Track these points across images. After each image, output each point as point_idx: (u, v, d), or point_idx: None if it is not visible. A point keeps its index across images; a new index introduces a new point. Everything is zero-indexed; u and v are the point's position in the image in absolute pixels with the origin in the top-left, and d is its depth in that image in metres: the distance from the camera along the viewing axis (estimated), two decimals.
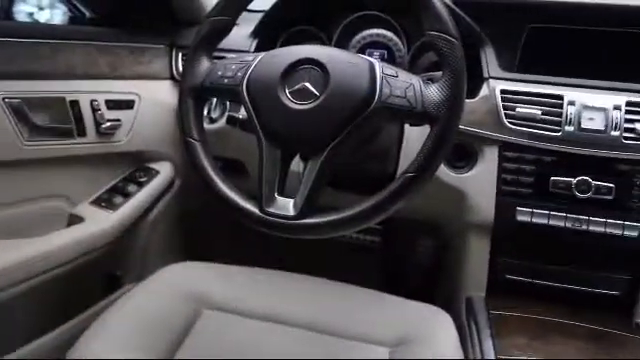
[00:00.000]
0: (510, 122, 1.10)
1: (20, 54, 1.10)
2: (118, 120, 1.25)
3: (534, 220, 1.12)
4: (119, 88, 1.28)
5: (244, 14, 0.95)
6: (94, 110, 1.20)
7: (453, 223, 1.27)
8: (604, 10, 1.16)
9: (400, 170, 1.10)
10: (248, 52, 1.22)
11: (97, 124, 1.21)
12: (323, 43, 1.27)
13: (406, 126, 1.15)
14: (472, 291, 1.23)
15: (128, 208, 1.27)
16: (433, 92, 0.77)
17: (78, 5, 1.36)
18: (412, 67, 1.22)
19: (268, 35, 1.28)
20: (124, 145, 1.29)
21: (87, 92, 1.20)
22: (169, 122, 1.34)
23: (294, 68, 0.82)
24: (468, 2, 1.15)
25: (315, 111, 0.78)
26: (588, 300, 1.17)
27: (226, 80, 0.85)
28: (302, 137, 0.80)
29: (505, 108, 1.10)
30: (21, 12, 1.33)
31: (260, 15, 1.28)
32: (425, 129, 0.78)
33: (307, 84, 0.80)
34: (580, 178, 1.08)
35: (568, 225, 1.10)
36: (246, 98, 0.83)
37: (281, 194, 0.82)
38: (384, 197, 0.78)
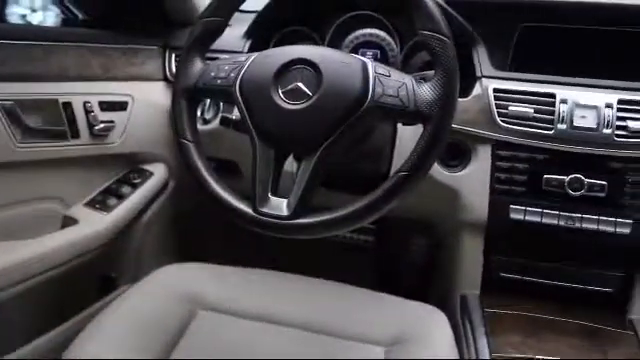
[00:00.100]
0: (503, 121, 1.10)
1: (13, 56, 1.10)
2: (111, 122, 1.25)
3: (527, 218, 1.13)
4: (112, 89, 1.27)
5: (237, 15, 0.95)
6: (87, 112, 1.20)
7: (447, 222, 1.28)
8: (596, 9, 1.17)
9: (393, 169, 1.11)
10: (241, 53, 1.22)
11: (90, 126, 1.21)
12: (316, 43, 1.27)
13: (399, 125, 1.15)
14: (466, 289, 1.24)
15: (122, 210, 1.26)
16: (426, 91, 0.77)
17: (71, 7, 1.36)
18: (405, 67, 1.22)
19: (261, 36, 1.28)
20: (118, 147, 1.29)
21: (80, 94, 1.20)
22: (162, 123, 1.34)
23: (287, 68, 0.82)
24: (460, 1, 1.15)
25: (308, 111, 0.78)
26: (582, 297, 1.18)
27: (219, 81, 0.85)
28: (295, 137, 0.80)
29: (498, 107, 1.11)
30: (14, 14, 1.32)
31: (253, 16, 1.28)
32: (418, 128, 0.78)
33: (300, 84, 0.80)
34: (573, 176, 1.08)
35: (561, 223, 1.11)
36: (239, 99, 0.83)
37: (275, 194, 0.82)
38: (377, 196, 0.78)
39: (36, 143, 1.12)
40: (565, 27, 1.19)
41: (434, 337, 0.93)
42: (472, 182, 1.15)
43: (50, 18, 1.38)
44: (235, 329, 0.94)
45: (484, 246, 1.21)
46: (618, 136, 1.05)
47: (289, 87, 0.81)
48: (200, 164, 0.87)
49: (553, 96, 1.09)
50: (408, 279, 1.78)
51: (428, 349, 0.90)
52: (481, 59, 1.16)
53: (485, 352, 1.03)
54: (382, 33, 1.24)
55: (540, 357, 1.01)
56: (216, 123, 1.24)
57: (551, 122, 1.08)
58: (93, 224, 1.20)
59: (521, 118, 1.10)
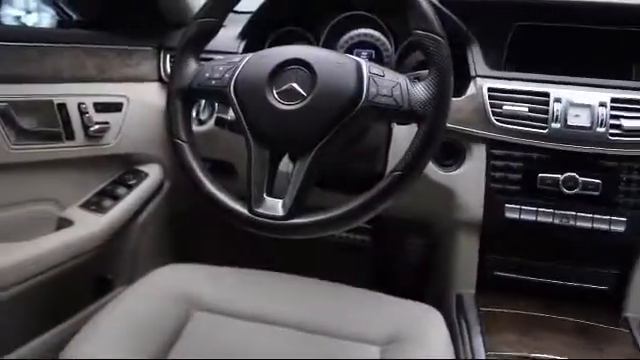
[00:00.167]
0: (497, 120, 1.11)
1: (7, 58, 1.10)
2: (106, 123, 1.25)
3: (522, 217, 1.13)
4: (107, 91, 1.27)
5: (231, 15, 0.95)
6: (82, 113, 1.20)
7: (442, 221, 1.28)
8: (589, 8, 1.17)
9: (389, 169, 1.11)
10: (236, 53, 1.22)
11: (85, 127, 1.21)
12: (311, 44, 1.27)
13: (394, 125, 1.15)
14: (462, 288, 1.24)
15: (117, 211, 1.26)
16: (420, 91, 0.77)
17: (65, 8, 1.36)
18: (400, 66, 1.22)
19: (256, 36, 1.28)
20: (113, 148, 1.29)
21: (75, 95, 1.19)
22: (158, 124, 1.34)
23: (281, 69, 0.82)
24: (454, 1, 1.16)
25: (302, 111, 0.78)
26: (577, 295, 1.18)
27: (214, 81, 0.85)
28: (290, 137, 0.80)
29: (492, 106, 1.11)
30: (8, 15, 1.33)
31: (247, 16, 1.28)
32: (413, 128, 0.78)
33: (294, 84, 0.80)
34: (567, 174, 1.09)
35: (556, 221, 1.11)
36: (234, 99, 0.83)
37: (270, 194, 0.82)
38: (372, 196, 0.78)
39: (30, 145, 1.12)
40: (559, 26, 1.20)
41: (430, 336, 0.94)
42: (467, 181, 1.15)
43: (45, 19, 1.38)
44: (231, 330, 0.94)
45: (479, 245, 1.22)
46: (612, 135, 1.06)
47: (283, 87, 0.81)
48: (195, 165, 0.87)
49: (547, 95, 1.10)
50: (404, 279, 1.78)
51: (424, 348, 0.90)
52: (475, 58, 1.16)
53: (481, 351, 1.04)
54: (377, 33, 1.25)
55: (535, 355, 1.02)
56: (211, 124, 1.24)
57: (545, 121, 1.09)
58: (88, 225, 1.20)
59: (515, 117, 1.10)
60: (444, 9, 1.12)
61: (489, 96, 1.11)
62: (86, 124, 1.21)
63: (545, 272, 1.21)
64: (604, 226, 1.10)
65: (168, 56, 1.36)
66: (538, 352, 1.03)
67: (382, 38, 1.24)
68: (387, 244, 1.81)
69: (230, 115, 1.07)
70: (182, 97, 0.89)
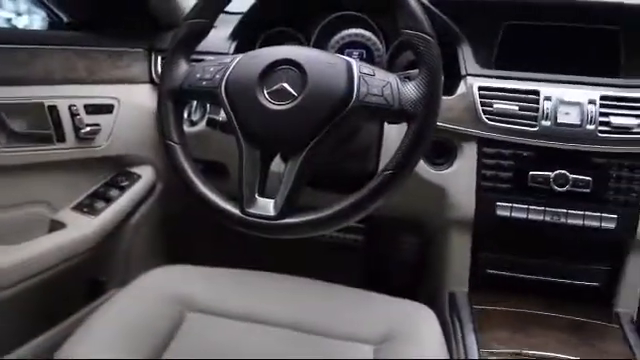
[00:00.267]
0: (488, 118, 1.11)
1: None
2: (97, 125, 1.24)
3: (514, 215, 1.14)
4: (98, 93, 1.27)
5: (222, 16, 0.95)
6: (73, 115, 1.19)
7: (434, 220, 1.28)
8: (579, 7, 1.18)
9: (380, 168, 1.11)
10: (227, 54, 1.22)
11: (76, 129, 1.20)
12: (302, 44, 1.27)
13: (386, 124, 1.16)
14: (455, 287, 1.24)
15: (110, 213, 1.26)
16: (410, 90, 0.77)
17: (56, 10, 1.35)
18: (391, 66, 1.22)
19: (247, 37, 1.28)
20: (104, 150, 1.28)
21: (66, 97, 1.19)
22: (149, 126, 1.33)
23: (272, 69, 0.82)
24: (444, 0, 1.16)
25: (293, 111, 0.79)
26: (569, 292, 1.19)
27: (204, 82, 0.85)
28: (281, 137, 0.81)
29: (483, 104, 1.12)
30: None
31: (238, 17, 1.28)
32: (405, 127, 0.79)
33: (285, 85, 0.80)
34: (558, 172, 1.10)
35: (547, 219, 1.12)
36: (225, 100, 0.83)
37: (262, 195, 0.82)
38: (363, 195, 0.78)
39: (21, 147, 1.11)
40: (549, 25, 1.20)
41: (423, 335, 0.94)
42: (458, 179, 1.16)
43: (36, 22, 1.37)
44: (225, 330, 0.94)
45: (472, 243, 1.22)
46: (601, 132, 1.07)
47: (274, 88, 0.81)
48: (187, 166, 0.87)
49: (537, 93, 1.10)
50: (398, 278, 1.79)
51: (417, 347, 0.90)
52: (466, 57, 1.17)
53: (473, 348, 1.04)
54: (367, 33, 1.25)
55: (528, 352, 1.02)
56: (203, 125, 1.23)
57: (535, 119, 1.09)
58: (81, 228, 1.20)
59: (506, 115, 1.11)
60: (433, 8, 1.13)
61: (480, 95, 1.12)
62: (77, 126, 1.20)
63: (537, 269, 1.21)
64: (595, 223, 1.10)
65: (159, 58, 1.36)
66: (530, 349, 1.03)
67: (373, 38, 1.25)
68: (380, 243, 1.81)
69: (222, 116, 1.07)
70: (173, 98, 0.89)
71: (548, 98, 1.09)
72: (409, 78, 0.80)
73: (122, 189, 1.32)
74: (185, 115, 1.27)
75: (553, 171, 1.10)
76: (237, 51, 1.25)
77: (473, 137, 1.13)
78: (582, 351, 1.03)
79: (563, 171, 1.09)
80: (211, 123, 1.11)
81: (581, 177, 1.09)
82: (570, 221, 1.11)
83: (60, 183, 1.24)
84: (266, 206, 0.81)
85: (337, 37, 1.26)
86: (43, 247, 1.11)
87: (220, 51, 1.23)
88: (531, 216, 1.13)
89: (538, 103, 1.10)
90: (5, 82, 1.10)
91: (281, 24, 1.29)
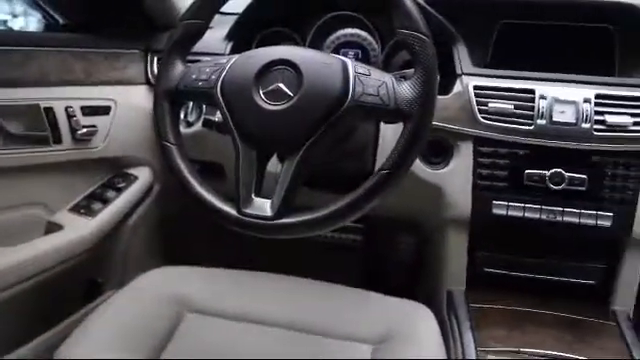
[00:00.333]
0: (484, 117, 1.12)
1: None
2: (94, 126, 1.25)
3: (510, 213, 1.14)
4: (95, 94, 1.27)
5: (219, 17, 0.95)
6: (69, 116, 1.19)
7: (431, 219, 1.29)
8: (573, 6, 1.18)
9: (377, 168, 1.12)
10: (223, 55, 1.22)
11: (73, 130, 1.20)
12: (297, 44, 1.27)
13: (382, 124, 1.16)
14: (452, 285, 1.25)
15: (107, 214, 1.26)
16: (405, 89, 0.77)
17: (52, 12, 1.35)
18: (386, 66, 1.23)
19: (243, 37, 1.29)
20: (101, 151, 1.28)
21: (62, 99, 1.19)
22: (146, 127, 1.33)
23: (268, 69, 0.82)
24: (440, 0, 1.16)
25: (289, 111, 0.79)
26: (565, 290, 1.20)
27: (200, 83, 0.85)
28: (277, 138, 0.81)
29: (478, 104, 1.12)
30: None
31: (234, 18, 1.28)
32: (401, 126, 0.79)
33: (281, 85, 0.80)
34: (553, 170, 1.10)
35: (543, 217, 1.12)
36: (221, 100, 0.83)
37: (258, 195, 0.82)
38: (359, 195, 0.78)
39: (18, 149, 1.11)
40: (544, 24, 1.21)
41: (421, 334, 0.94)
42: (455, 179, 1.16)
43: (32, 23, 1.37)
44: (223, 331, 0.95)
45: (468, 242, 1.22)
46: (597, 130, 1.07)
47: (270, 88, 0.81)
48: (183, 166, 0.87)
49: (532, 92, 1.10)
50: (396, 277, 1.79)
51: (415, 346, 0.91)
52: (461, 57, 1.17)
53: (471, 346, 1.05)
54: (363, 33, 1.25)
55: (525, 350, 1.03)
56: (199, 125, 1.24)
57: (531, 118, 1.10)
58: (78, 229, 1.20)
59: (501, 114, 1.11)
60: (429, 8, 1.13)
61: (475, 94, 1.12)
62: (74, 127, 1.20)
63: (534, 268, 1.22)
64: (591, 221, 1.11)
65: (155, 59, 1.35)
66: (527, 347, 1.04)
67: (369, 38, 1.25)
68: (378, 243, 1.81)
69: (218, 117, 1.08)
70: (169, 99, 0.89)
71: (543, 97, 1.09)
72: (405, 78, 0.80)
73: (119, 190, 1.32)
74: (181, 116, 1.27)
75: (549, 169, 1.10)
76: (233, 52, 1.25)
77: (469, 136, 1.14)
78: (579, 349, 1.04)
79: (559, 169, 1.10)
80: (207, 124, 1.11)
81: (577, 175, 1.09)
82: (566, 219, 1.11)
83: (57, 185, 1.24)
84: (263, 206, 0.81)
85: (333, 37, 1.26)
86: (40, 249, 1.11)
87: (216, 52, 1.23)
88: (527, 214, 1.13)
89: (533, 102, 1.10)
90: (0, 84, 1.10)
91: (277, 24, 1.29)
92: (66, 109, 1.19)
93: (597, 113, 1.07)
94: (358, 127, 1.05)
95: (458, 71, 1.16)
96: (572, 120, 1.08)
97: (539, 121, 1.09)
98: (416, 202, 1.20)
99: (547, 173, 1.10)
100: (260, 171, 0.83)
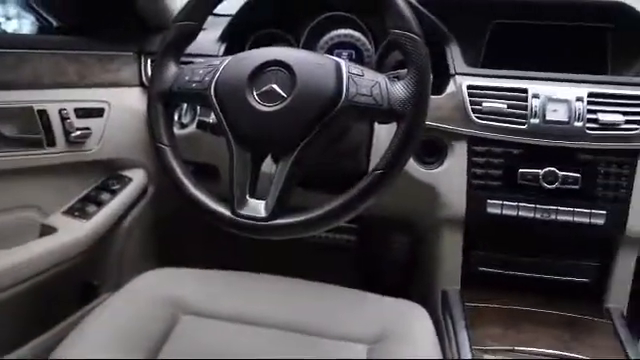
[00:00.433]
0: (477, 117, 1.12)
1: None
2: (88, 129, 1.24)
3: (504, 212, 1.14)
4: (88, 96, 1.27)
5: (211, 18, 0.95)
6: (63, 119, 1.19)
7: (425, 219, 1.29)
8: (567, 5, 1.19)
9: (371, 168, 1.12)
10: (216, 56, 1.22)
11: (66, 133, 1.20)
12: (291, 45, 1.27)
13: (376, 124, 1.16)
14: (447, 285, 1.25)
15: (101, 216, 1.26)
16: (399, 89, 0.78)
17: (45, 15, 1.35)
18: (380, 66, 1.23)
19: (236, 39, 1.29)
20: (95, 153, 1.28)
21: (55, 101, 1.19)
22: (140, 129, 1.33)
23: (261, 70, 0.82)
24: (432, 0, 1.17)
25: (283, 112, 0.79)
26: (560, 288, 1.20)
27: (194, 85, 0.85)
28: (271, 138, 0.81)
29: (472, 103, 1.12)
30: None
31: (227, 19, 1.28)
32: (395, 126, 0.79)
33: (274, 86, 0.80)
34: (547, 169, 1.10)
35: (537, 216, 1.13)
36: (214, 102, 0.83)
37: (252, 196, 0.82)
38: (353, 195, 0.78)
39: (11, 152, 1.11)
40: (536, 23, 1.21)
41: (416, 333, 0.94)
42: (449, 178, 1.16)
43: (25, 26, 1.37)
44: (218, 332, 0.95)
45: (463, 241, 1.23)
46: (589, 129, 1.08)
47: (263, 89, 0.81)
48: (177, 168, 0.87)
49: (525, 91, 1.11)
50: (391, 277, 1.79)
51: (410, 345, 0.91)
52: (454, 56, 1.17)
53: (466, 345, 1.05)
54: (356, 33, 1.25)
55: (520, 348, 1.03)
56: (193, 127, 1.23)
57: (524, 117, 1.10)
58: (72, 232, 1.19)
59: (495, 114, 1.11)
60: (421, 8, 1.13)
61: (469, 93, 1.13)
62: (67, 130, 1.20)
63: (528, 266, 1.22)
64: (584, 219, 1.11)
65: (149, 61, 1.35)
66: (523, 345, 1.04)
67: (362, 38, 1.25)
68: (372, 243, 1.81)
69: (212, 118, 1.08)
70: (163, 101, 0.89)
71: (536, 96, 1.10)
72: (398, 78, 0.80)
73: (113, 192, 1.32)
74: (176, 118, 1.27)
75: (542, 168, 1.11)
76: (226, 53, 1.25)
77: (463, 136, 1.14)
78: (574, 346, 1.04)
79: (552, 168, 1.10)
80: (201, 125, 1.11)
81: (570, 174, 1.10)
82: (560, 218, 1.12)
83: (51, 187, 1.24)
84: (257, 207, 0.81)
85: (326, 38, 1.27)
86: (34, 252, 1.11)
87: (209, 53, 1.23)
88: (521, 213, 1.13)
89: (527, 101, 1.10)
90: None
91: (270, 26, 1.29)
92: (60, 111, 1.19)
93: (590, 112, 1.08)
94: (352, 127, 1.06)
95: (451, 71, 1.16)
96: (565, 119, 1.08)
97: (532, 120, 1.09)
98: (410, 202, 1.21)
99: (541, 172, 1.11)
100: (254, 172, 0.83)
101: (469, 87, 1.13)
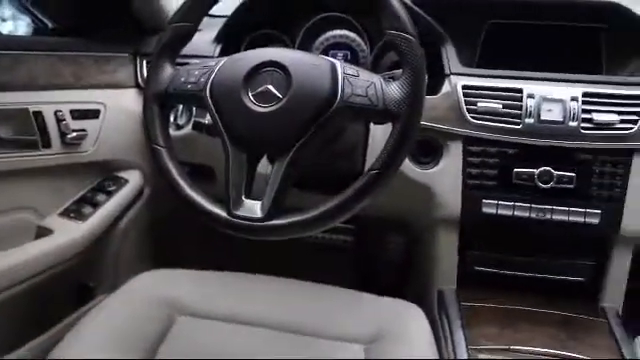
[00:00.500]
0: (472, 117, 1.12)
1: None
2: (84, 130, 1.24)
3: (500, 212, 1.15)
4: (84, 98, 1.27)
5: (207, 19, 0.95)
6: (59, 120, 1.19)
7: (421, 219, 1.29)
8: (562, 6, 1.19)
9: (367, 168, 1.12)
10: (212, 57, 1.22)
11: (62, 134, 1.20)
12: (287, 46, 1.27)
13: (372, 124, 1.16)
14: (443, 284, 1.25)
15: (97, 218, 1.26)
16: (394, 90, 0.78)
17: (41, 16, 1.35)
18: (375, 67, 1.22)
19: (231, 40, 1.29)
20: (91, 155, 1.28)
21: (51, 103, 1.19)
22: (136, 130, 1.33)
23: (257, 71, 0.82)
24: (427, 0, 1.17)
25: (278, 113, 0.79)
26: (555, 287, 1.20)
27: (189, 86, 0.85)
28: (267, 139, 0.81)
29: (467, 103, 1.12)
30: None
31: (223, 20, 1.28)
32: (390, 127, 0.79)
33: (270, 87, 0.81)
34: (542, 169, 1.11)
35: (532, 215, 1.13)
36: (210, 103, 0.83)
37: (248, 197, 0.82)
38: (348, 196, 0.78)
39: (7, 153, 1.11)
40: (531, 23, 1.21)
41: (412, 333, 0.94)
42: (444, 178, 1.17)
43: (21, 27, 1.36)
44: (215, 333, 0.95)
45: (459, 241, 1.23)
46: (584, 128, 1.08)
47: (259, 90, 0.81)
48: (173, 169, 0.87)
49: (520, 91, 1.11)
50: (387, 277, 1.79)
51: (406, 345, 0.91)
52: (449, 57, 1.18)
53: (462, 345, 1.05)
54: (352, 34, 1.25)
55: (516, 347, 1.03)
56: (189, 128, 1.24)
57: (519, 116, 1.10)
58: (68, 233, 1.19)
59: (490, 114, 1.12)
60: (416, 9, 1.14)
61: (464, 93, 1.13)
62: (63, 131, 1.20)
63: (524, 266, 1.22)
64: (579, 219, 1.12)
65: (145, 62, 1.35)
66: (519, 344, 1.04)
67: (357, 39, 1.25)
68: (368, 243, 1.82)
69: (208, 119, 1.07)
70: (159, 102, 0.89)
71: (531, 96, 1.10)
72: (393, 78, 0.80)
73: (109, 194, 1.32)
74: (171, 119, 1.27)
75: (537, 168, 1.11)
76: (222, 54, 1.25)
77: (458, 136, 1.14)
78: (569, 346, 1.04)
79: (547, 168, 1.10)
80: (197, 126, 1.11)
81: (565, 173, 1.10)
82: (555, 217, 1.12)
83: (46, 189, 1.23)
84: (253, 208, 0.81)
85: (322, 38, 1.27)
86: (30, 253, 1.11)
87: (205, 54, 1.23)
88: (517, 213, 1.14)
89: (521, 101, 1.11)
90: None
91: (266, 26, 1.29)
92: (55, 113, 1.18)
93: (584, 111, 1.08)
94: (347, 128, 1.06)
95: (446, 71, 1.16)
96: (560, 118, 1.09)
97: (527, 120, 1.10)
98: (406, 202, 1.21)
99: (536, 172, 1.11)
100: (250, 173, 0.83)
101: (464, 87, 1.13)
